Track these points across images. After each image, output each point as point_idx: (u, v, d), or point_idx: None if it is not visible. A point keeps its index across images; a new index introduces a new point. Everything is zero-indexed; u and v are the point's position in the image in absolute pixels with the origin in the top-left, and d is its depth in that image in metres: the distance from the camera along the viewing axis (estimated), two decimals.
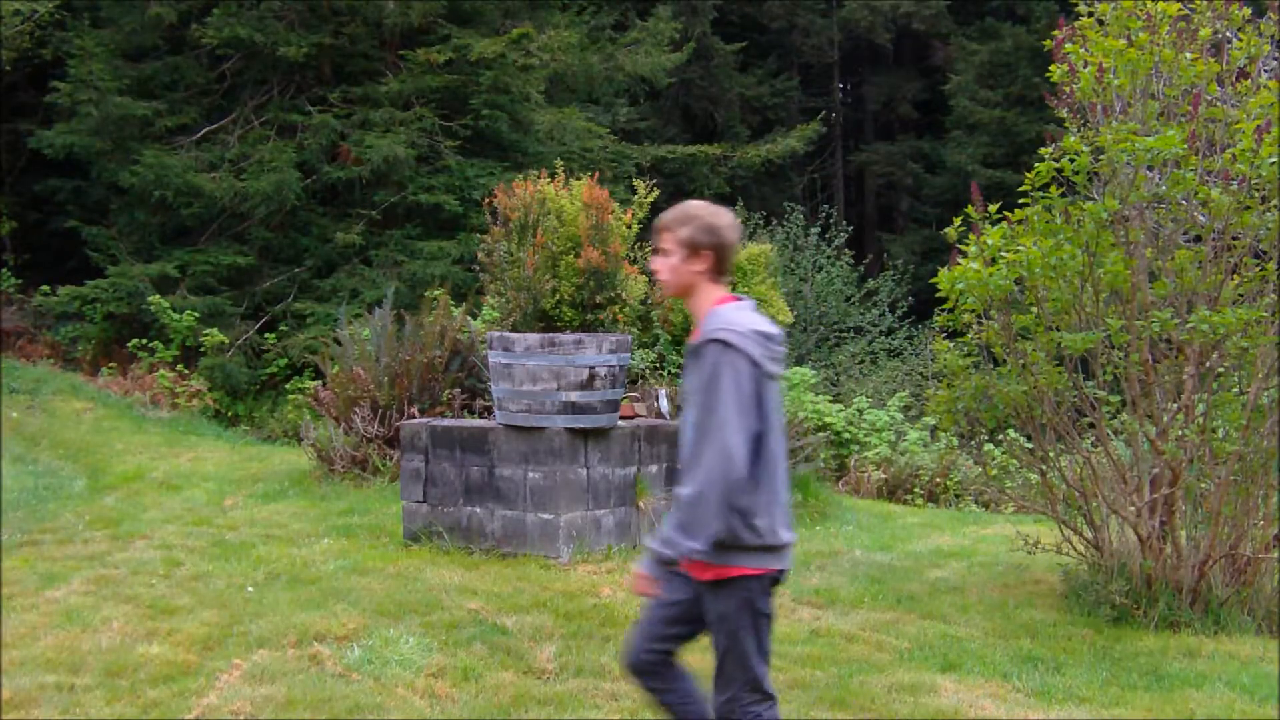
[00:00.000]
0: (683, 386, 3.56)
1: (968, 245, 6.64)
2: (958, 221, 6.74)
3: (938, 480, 12.35)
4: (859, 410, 13.68)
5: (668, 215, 3.57)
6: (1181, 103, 6.51)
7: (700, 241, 3.48)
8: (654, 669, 3.63)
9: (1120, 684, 5.38)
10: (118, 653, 5.44)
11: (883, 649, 5.89)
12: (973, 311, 6.82)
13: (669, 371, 9.27)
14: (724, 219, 3.53)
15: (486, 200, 9.62)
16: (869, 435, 13.27)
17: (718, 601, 3.46)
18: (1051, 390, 6.63)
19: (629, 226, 9.04)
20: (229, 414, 14.63)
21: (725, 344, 3.33)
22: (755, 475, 3.38)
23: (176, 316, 14.65)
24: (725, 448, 3.27)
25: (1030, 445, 7.40)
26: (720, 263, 3.51)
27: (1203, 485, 6.61)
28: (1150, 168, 6.28)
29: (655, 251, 3.61)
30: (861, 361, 19.30)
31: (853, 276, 21.16)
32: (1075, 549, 6.94)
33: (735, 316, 3.43)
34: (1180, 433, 6.43)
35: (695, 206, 3.56)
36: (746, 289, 9.30)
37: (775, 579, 3.51)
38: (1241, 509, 6.44)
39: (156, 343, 14.86)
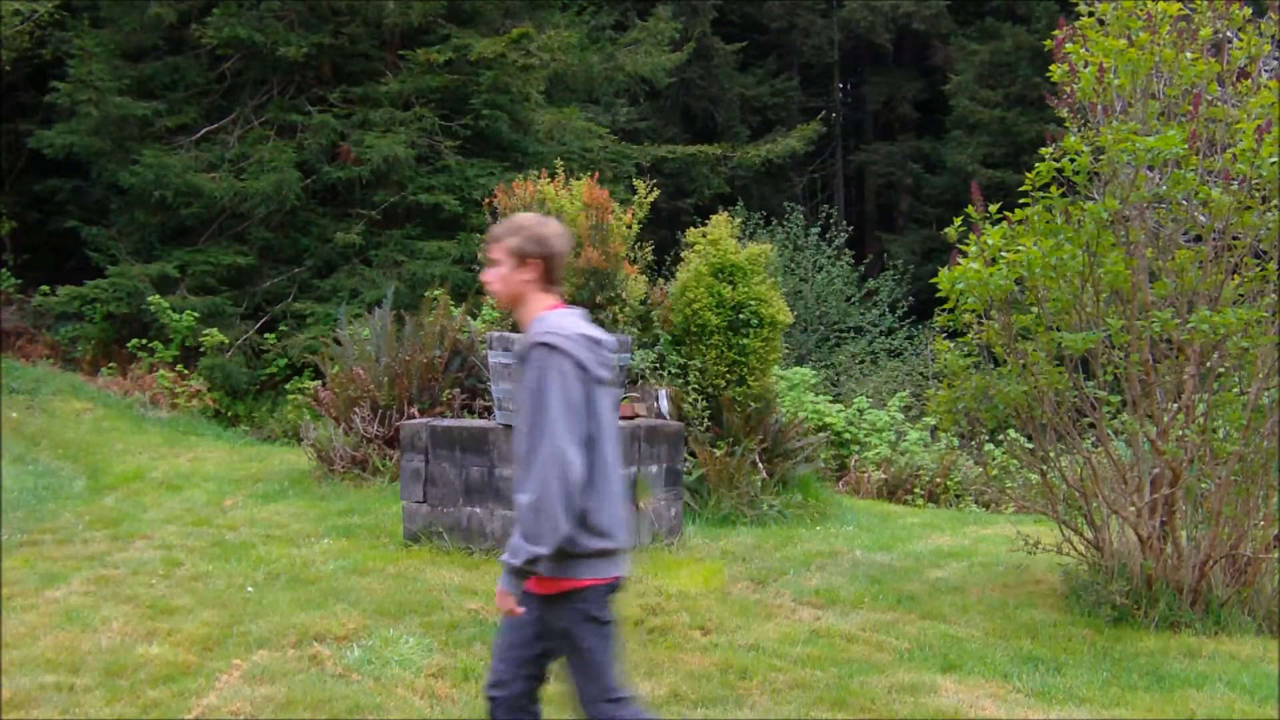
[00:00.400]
0: (513, 393, 3.55)
1: (968, 245, 6.64)
2: (958, 221, 6.74)
3: (938, 480, 12.35)
4: (859, 410, 13.68)
5: (496, 227, 3.60)
6: (1182, 103, 6.51)
7: (528, 251, 3.50)
8: (530, 697, 3.61)
9: (1120, 684, 5.38)
10: (118, 653, 5.44)
11: (883, 649, 5.89)
12: (973, 311, 6.83)
13: (669, 371, 9.27)
14: (551, 229, 3.56)
15: (486, 200, 9.62)
16: (869, 435, 13.27)
17: (557, 617, 3.43)
18: (1052, 390, 6.63)
19: (629, 226, 9.05)
20: (229, 414, 14.62)
21: (551, 347, 3.33)
22: (590, 479, 3.37)
23: (176, 316, 14.64)
24: (559, 450, 3.25)
25: (1030, 445, 7.40)
26: (549, 272, 3.53)
27: (1203, 485, 6.61)
28: (1150, 168, 6.27)
29: (488, 263, 3.61)
30: (861, 361, 19.29)
31: (853, 276, 21.14)
32: (1075, 549, 6.94)
33: (561, 321, 3.43)
34: (1180, 433, 6.43)
35: (523, 218, 3.59)
36: (747, 289, 9.29)
37: (613, 587, 3.47)
38: (1242, 509, 6.44)
39: (156, 343, 14.85)
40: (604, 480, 3.40)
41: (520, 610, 3.39)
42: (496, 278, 3.56)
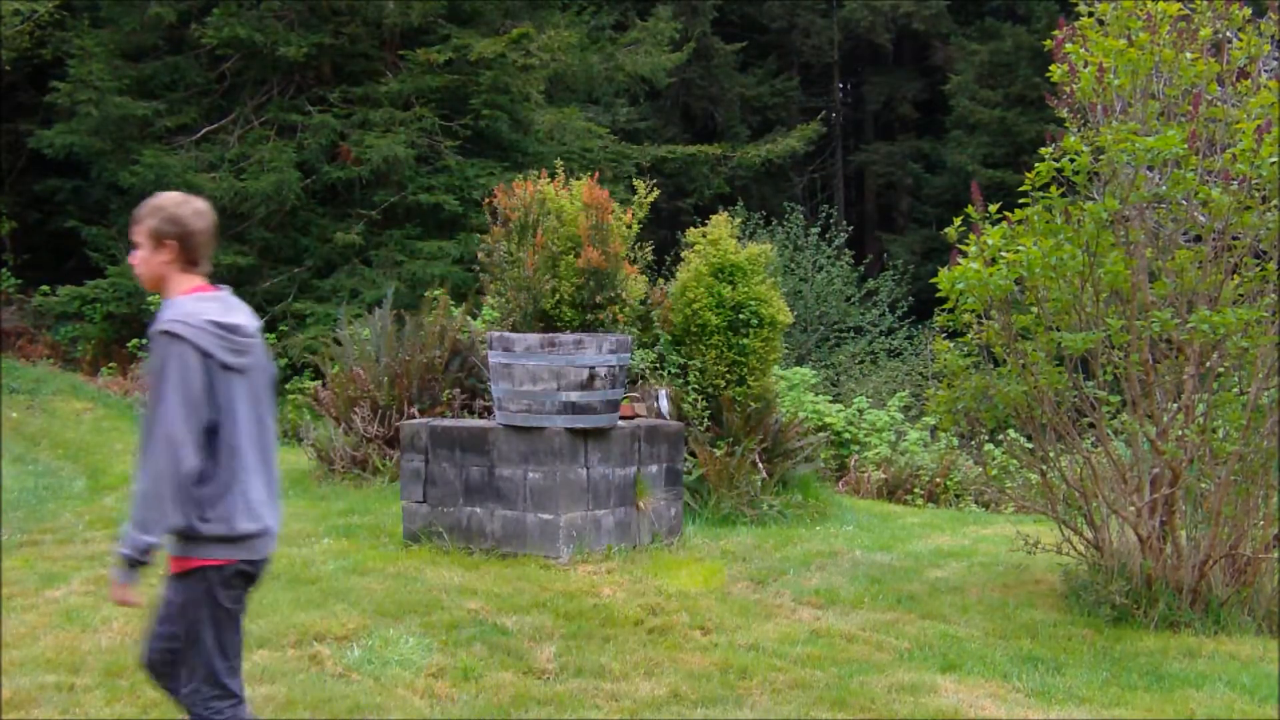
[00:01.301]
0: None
1: (968, 245, 6.64)
2: (958, 221, 6.74)
3: (938, 480, 12.34)
4: (859, 410, 13.67)
5: (138, 208, 3.60)
6: (1181, 103, 6.51)
7: (164, 232, 3.51)
8: (166, 668, 3.64)
9: (1120, 684, 5.39)
10: (118, 653, 5.43)
11: (883, 649, 5.89)
12: (973, 311, 6.82)
13: (669, 371, 9.27)
14: (189, 208, 3.55)
15: (486, 200, 9.61)
16: (869, 435, 13.26)
17: (179, 593, 3.53)
18: (1051, 390, 6.63)
19: (629, 226, 9.04)
20: None
21: (172, 335, 3.37)
22: (215, 467, 3.44)
23: None
24: (172, 439, 3.32)
25: (1030, 445, 7.40)
26: (187, 252, 3.54)
27: (1203, 485, 6.62)
28: (1150, 168, 6.28)
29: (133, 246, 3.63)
30: (861, 361, 19.29)
31: (853, 276, 21.14)
32: (1075, 549, 6.94)
33: (192, 307, 3.45)
34: (1180, 433, 6.43)
35: (163, 198, 3.59)
36: (747, 289, 9.29)
37: (242, 572, 3.53)
38: (1241, 509, 6.44)
39: None
40: (229, 468, 3.47)
41: (139, 600, 3.46)
42: (138, 260, 3.58)
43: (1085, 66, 6.60)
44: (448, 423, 8.08)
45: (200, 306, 3.46)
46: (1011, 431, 10.22)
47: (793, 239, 20.89)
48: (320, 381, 11.92)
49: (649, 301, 9.48)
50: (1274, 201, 6.21)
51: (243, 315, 3.56)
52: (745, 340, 9.25)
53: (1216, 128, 6.42)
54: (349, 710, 4.82)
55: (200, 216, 3.55)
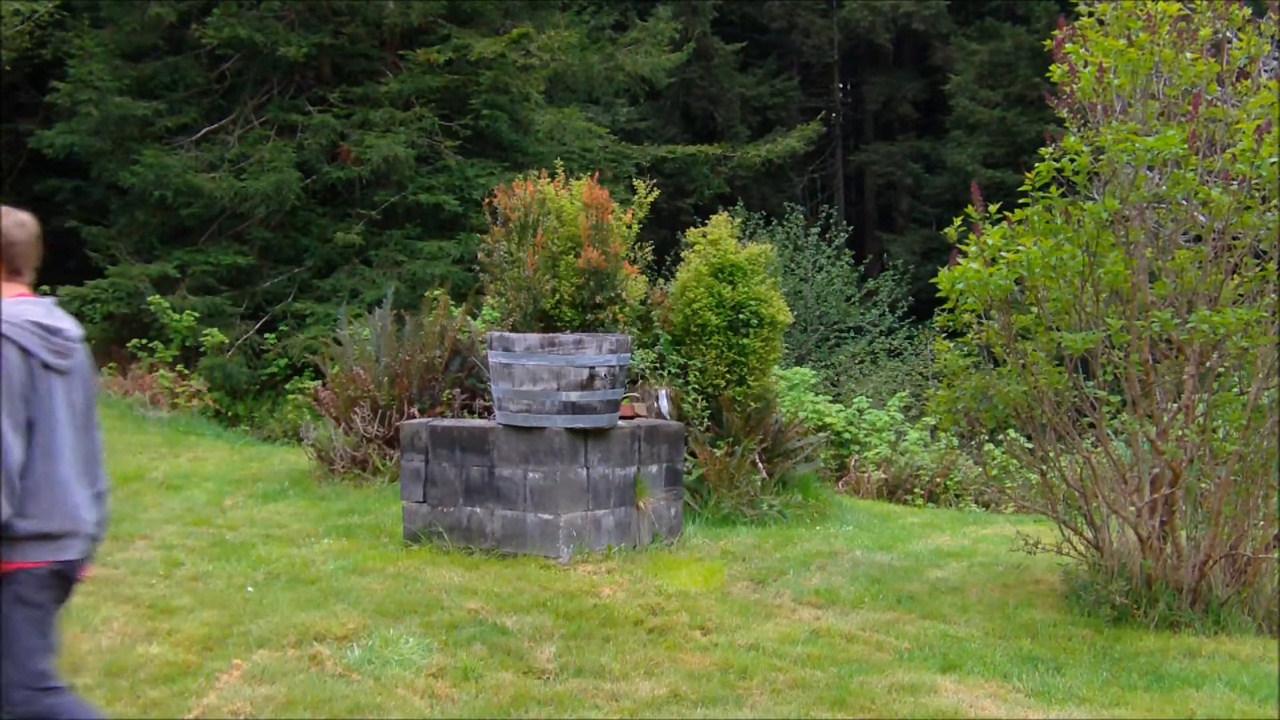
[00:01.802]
0: None
1: (968, 245, 6.64)
2: (958, 221, 6.74)
3: (938, 480, 12.35)
4: (859, 410, 13.68)
5: None
6: (1181, 103, 6.51)
7: None
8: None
9: (1120, 684, 5.38)
10: (118, 653, 5.44)
11: (883, 649, 5.89)
12: (973, 311, 6.82)
13: (669, 371, 9.27)
14: (10, 220, 3.66)
15: (486, 200, 9.62)
16: (869, 435, 13.27)
17: None
18: (1051, 390, 6.63)
19: (629, 226, 9.05)
20: (229, 414, 14.63)
21: None
22: (28, 464, 3.48)
23: (176, 316, 14.65)
24: None
25: (1030, 445, 7.40)
26: (9, 262, 3.63)
27: (1203, 485, 6.62)
28: (1150, 168, 6.28)
29: None
30: (861, 361, 19.30)
31: (853, 276, 21.16)
32: (1075, 549, 6.94)
33: (12, 309, 3.53)
34: (1180, 433, 6.43)
35: None
36: (747, 289, 9.29)
37: (57, 573, 3.59)
38: (1241, 509, 6.44)
39: (156, 343, 14.86)
40: (46, 466, 3.52)
41: None
42: None
43: (1085, 66, 6.60)
44: (448, 423, 8.08)
45: (22, 308, 3.55)
46: (1011, 431, 10.22)
47: (793, 239, 20.90)
48: (320, 381, 11.92)
49: (649, 301, 9.48)
50: (1274, 201, 6.21)
51: (66, 321, 3.67)
52: (745, 340, 9.26)
53: (1216, 128, 6.42)
54: (349, 710, 4.83)
55: (22, 228, 3.67)
